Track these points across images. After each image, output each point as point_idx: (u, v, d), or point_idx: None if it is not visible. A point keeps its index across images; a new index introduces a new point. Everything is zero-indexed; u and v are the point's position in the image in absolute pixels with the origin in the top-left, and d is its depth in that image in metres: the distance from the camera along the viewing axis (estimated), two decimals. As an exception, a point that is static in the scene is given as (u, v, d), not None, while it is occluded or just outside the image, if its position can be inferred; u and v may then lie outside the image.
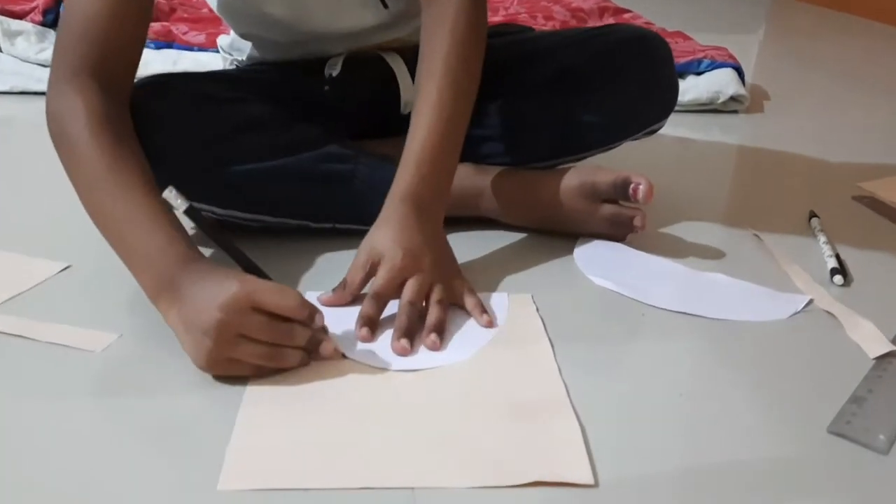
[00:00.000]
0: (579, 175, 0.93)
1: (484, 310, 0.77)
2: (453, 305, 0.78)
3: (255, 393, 0.65)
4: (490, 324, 0.76)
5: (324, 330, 0.69)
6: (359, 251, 0.78)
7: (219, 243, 0.73)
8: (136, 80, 0.81)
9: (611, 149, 1.01)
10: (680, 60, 1.58)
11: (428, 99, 0.81)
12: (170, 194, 0.69)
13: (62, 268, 0.85)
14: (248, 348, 0.65)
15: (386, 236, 0.77)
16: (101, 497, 0.55)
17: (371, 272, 0.76)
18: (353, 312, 0.74)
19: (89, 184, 0.72)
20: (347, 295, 0.76)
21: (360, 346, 0.71)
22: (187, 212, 0.70)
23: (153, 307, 0.69)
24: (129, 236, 0.70)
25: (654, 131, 1.02)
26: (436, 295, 0.75)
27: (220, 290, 0.63)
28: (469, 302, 0.78)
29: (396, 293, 0.75)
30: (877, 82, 1.94)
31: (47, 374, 0.68)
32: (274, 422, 0.62)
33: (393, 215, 0.78)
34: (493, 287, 0.84)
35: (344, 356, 0.70)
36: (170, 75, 0.90)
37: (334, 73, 0.97)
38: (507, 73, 0.99)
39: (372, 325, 0.73)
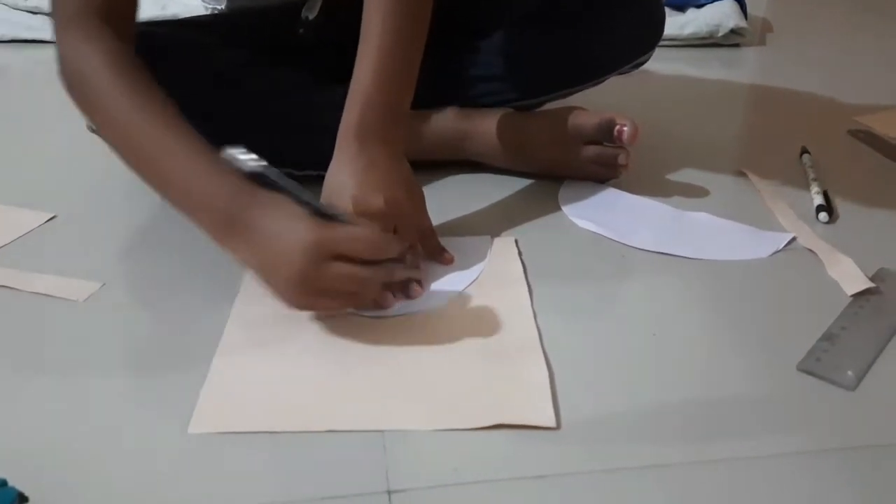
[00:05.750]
0: (563, 116, 0.91)
1: (442, 249, 0.78)
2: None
3: (230, 339, 0.66)
4: (450, 260, 0.77)
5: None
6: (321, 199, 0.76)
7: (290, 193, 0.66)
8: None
9: (599, 83, 0.98)
10: (680, -7, 1.54)
11: (372, 20, 0.76)
12: (235, 154, 0.62)
13: (48, 218, 0.86)
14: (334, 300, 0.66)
15: (338, 184, 0.74)
16: (75, 438, 0.57)
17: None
18: None
19: (122, 129, 0.70)
20: None
21: None
22: (252, 175, 0.63)
23: (136, 257, 0.69)
24: (176, 176, 0.68)
25: (642, 63, 1.00)
26: (405, 241, 0.74)
27: (293, 237, 0.63)
28: (428, 245, 0.78)
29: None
30: (891, 9, 1.87)
31: (29, 323, 0.69)
32: (247, 368, 0.64)
33: (341, 155, 0.75)
34: (476, 230, 0.84)
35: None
36: (146, 24, 0.89)
37: (311, 17, 0.96)
38: (492, 10, 0.97)
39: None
